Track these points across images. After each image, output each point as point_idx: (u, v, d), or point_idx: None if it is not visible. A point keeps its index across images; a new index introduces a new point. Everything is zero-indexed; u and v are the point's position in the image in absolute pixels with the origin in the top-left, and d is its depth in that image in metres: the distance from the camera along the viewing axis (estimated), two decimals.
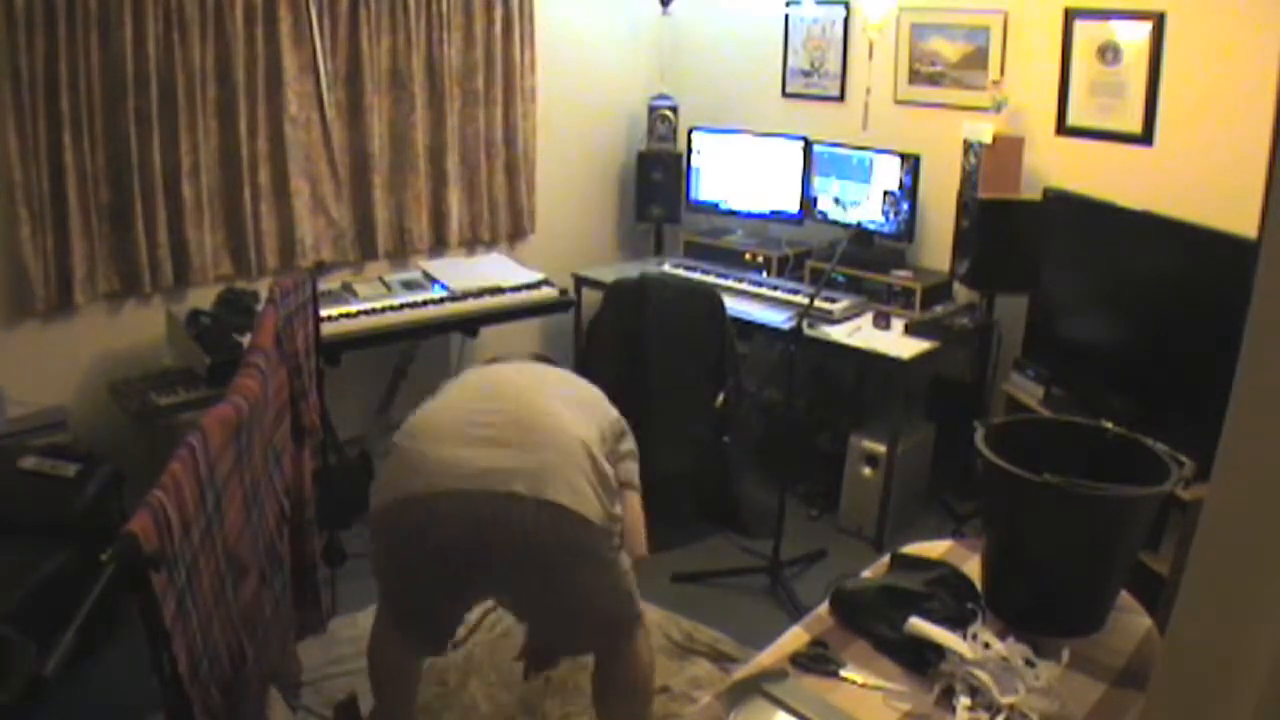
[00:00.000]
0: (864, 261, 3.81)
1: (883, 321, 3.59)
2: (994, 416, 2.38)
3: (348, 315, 3.30)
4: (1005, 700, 1.57)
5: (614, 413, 2.25)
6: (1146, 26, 3.23)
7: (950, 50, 3.77)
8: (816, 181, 4.09)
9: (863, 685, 1.67)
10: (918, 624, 1.72)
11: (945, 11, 3.74)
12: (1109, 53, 3.35)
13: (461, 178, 4.04)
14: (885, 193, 3.84)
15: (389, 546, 2.02)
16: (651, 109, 4.52)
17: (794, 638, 1.81)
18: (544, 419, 2.00)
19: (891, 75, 3.95)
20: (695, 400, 3.51)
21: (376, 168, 3.74)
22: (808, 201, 4.13)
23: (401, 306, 3.43)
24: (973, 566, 1.97)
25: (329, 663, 2.72)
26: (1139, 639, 1.81)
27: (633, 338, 3.47)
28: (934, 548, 2.13)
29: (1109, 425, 2.00)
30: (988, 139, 3.41)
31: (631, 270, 3.87)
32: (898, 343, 3.44)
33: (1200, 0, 3.11)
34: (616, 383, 3.46)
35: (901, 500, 3.56)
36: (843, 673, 1.70)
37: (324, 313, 3.20)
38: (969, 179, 3.56)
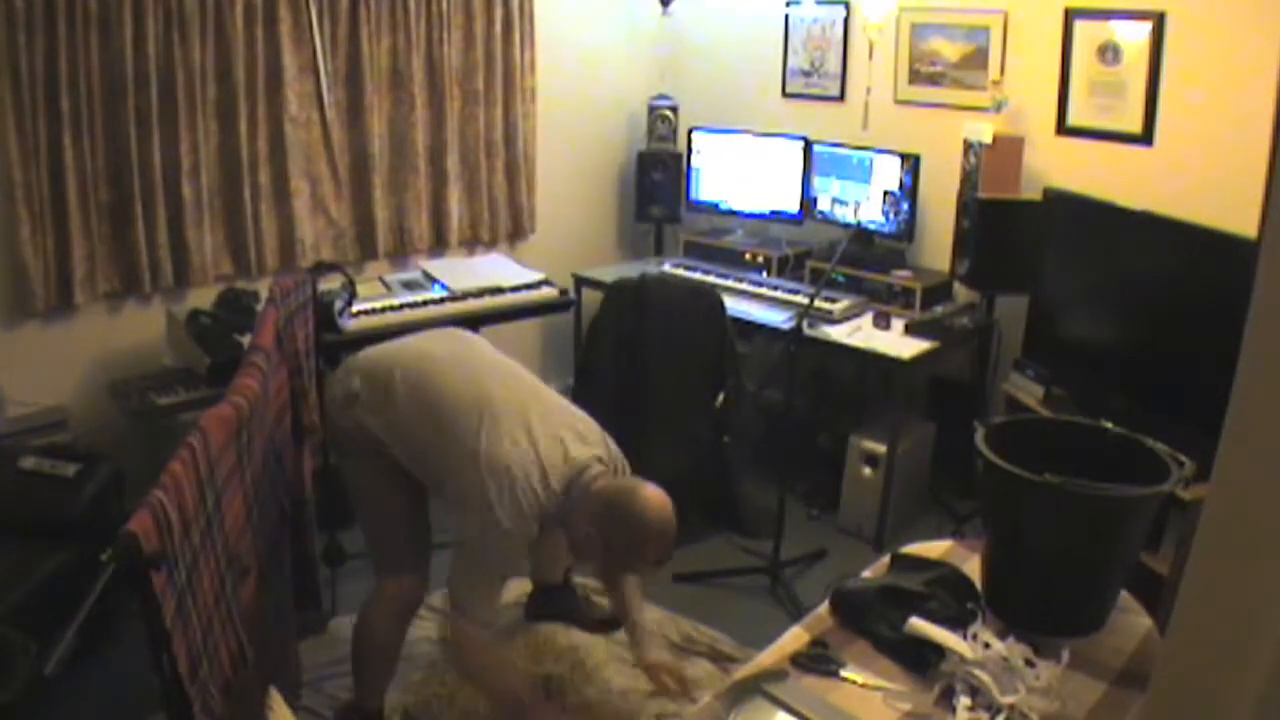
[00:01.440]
0: (864, 261, 3.81)
1: (883, 321, 3.59)
2: (994, 416, 2.38)
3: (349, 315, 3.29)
4: (1005, 700, 1.57)
5: None
6: (1146, 26, 3.23)
7: (950, 50, 3.77)
8: (816, 181, 4.09)
9: (863, 685, 1.67)
10: (918, 624, 1.72)
11: (945, 11, 3.74)
12: (1109, 53, 3.35)
13: (461, 178, 4.04)
14: (885, 193, 3.84)
15: None
16: (651, 109, 4.52)
17: (794, 638, 1.81)
18: None
19: (891, 75, 3.95)
20: (695, 400, 3.51)
21: (376, 168, 3.74)
22: (808, 201, 4.13)
23: (401, 306, 3.43)
24: (973, 566, 1.97)
25: (329, 663, 2.71)
26: (1139, 639, 1.81)
27: (633, 338, 3.47)
28: (934, 548, 2.13)
29: (1109, 425, 2.00)
30: (988, 139, 3.41)
31: (631, 270, 3.87)
32: (898, 343, 3.44)
33: (1200, 0, 3.11)
34: (617, 383, 3.48)
35: (901, 500, 3.55)
36: (843, 673, 1.70)
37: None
38: (969, 179, 3.56)
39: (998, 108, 3.54)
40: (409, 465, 2.31)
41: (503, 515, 2.07)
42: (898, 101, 3.97)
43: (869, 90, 4.01)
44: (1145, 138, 3.30)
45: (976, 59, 3.69)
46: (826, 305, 3.60)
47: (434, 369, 2.31)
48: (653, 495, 2.13)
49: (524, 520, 2.09)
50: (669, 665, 2.42)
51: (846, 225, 3.89)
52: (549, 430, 2.19)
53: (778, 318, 3.63)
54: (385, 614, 2.37)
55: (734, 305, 3.65)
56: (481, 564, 2.15)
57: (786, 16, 4.28)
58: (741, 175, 4.29)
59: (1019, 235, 3.35)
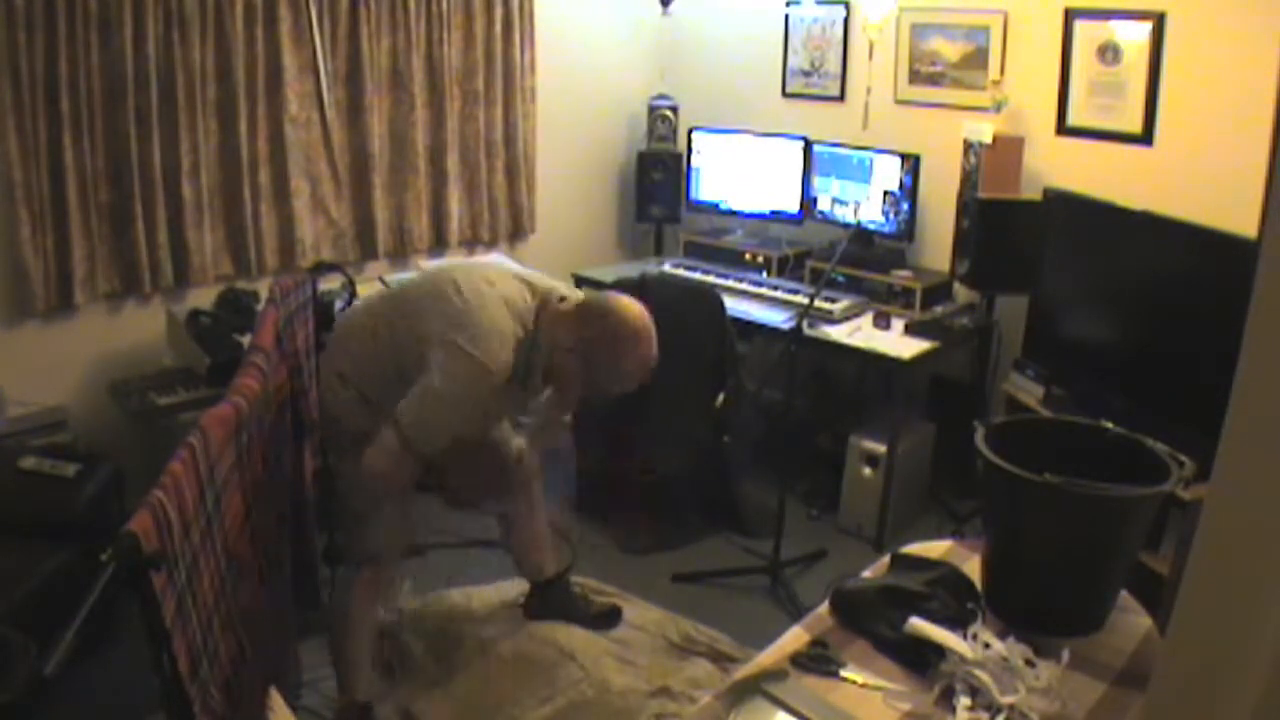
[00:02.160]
0: (864, 261, 3.81)
1: (883, 321, 3.59)
2: (994, 416, 2.38)
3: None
4: (1005, 700, 1.57)
5: None
6: (1146, 26, 3.23)
7: (950, 50, 3.77)
8: (816, 181, 4.09)
9: (863, 685, 1.67)
10: (918, 624, 1.72)
11: (945, 11, 3.74)
12: (1109, 53, 3.35)
13: (461, 178, 4.04)
14: (885, 193, 3.84)
15: None
16: (651, 109, 4.52)
17: (794, 638, 1.81)
18: None
19: (891, 75, 3.95)
20: (695, 400, 3.51)
21: (376, 168, 3.75)
22: (808, 201, 4.13)
23: None
24: (973, 566, 1.97)
25: (329, 663, 2.71)
26: (1139, 639, 1.81)
27: None
28: (934, 548, 2.13)
29: (1109, 425, 2.00)
30: (988, 139, 3.41)
31: (631, 270, 3.87)
32: (898, 343, 3.44)
33: (1200, 0, 3.11)
34: None
35: (901, 500, 3.55)
36: (843, 673, 1.70)
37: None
38: (969, 179, 3.56)
39: (998, 108, 3.54)
40: (392, 396, 2.20)
41: (478, 352, 2.09)
42: (898, 101, 3.97)
43: (869, 90, 4.01)
44: (1145, 138, 3.30)
45: (976, 59, 3.69)
46: (826, 305, 3.60)
47: (406, 282, 2.43)
48: (628, 301, 2.19)
49: (500, 352, 2.11)
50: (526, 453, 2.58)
51: (846, 225, 3.89)
52: (512, 277, 2.29)
53: (778, 318, 3.63)
54: (361, 598, 2.42)
55: (734, 305, 3.65)
56: (443, 398, 2.11)
57: (786, 16, 4.29)
58: (741, 175, 4.29)
59: (1019, 235, 3.35)
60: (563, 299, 2.28)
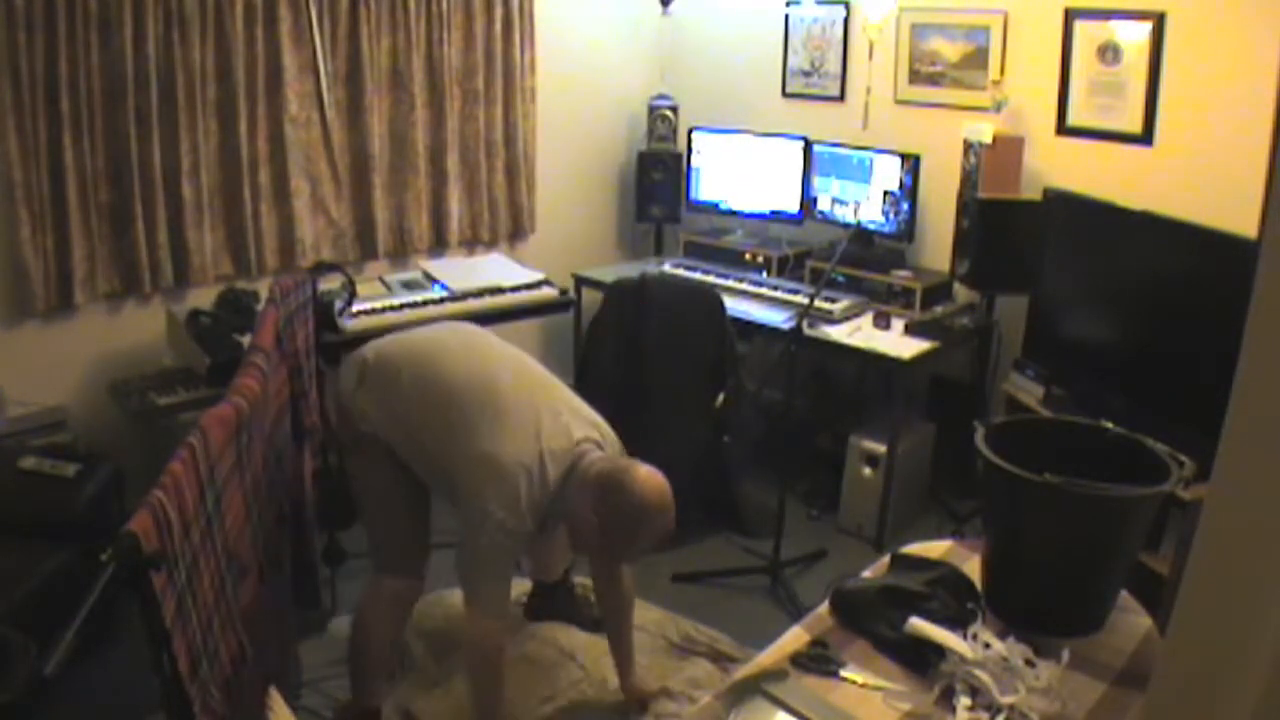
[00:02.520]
0: (864, 261, 3.81)
1: (883, 321, 3.59)
2: (994, 416, 2.38)
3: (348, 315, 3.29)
4: (1005, 700, 1.57)
5: None
6: (1146, 26, 3.23)
7: (950, 50, 3.77)
8: (816, 181, 4.09)
9: (863, 685, 1.67)
10: (918, 624, 1.72)
11: (945, 11, 3.74)
12: (1109, 53, 3.35)
13: (461, 178, 4.04)
14: (885, 193, 3.84)
15: None
16: (651, 109, 4.52)
17: (794, 638, 1.81)
18: None
19: (891, 75, 3.95)
20: (695, 400, 3.51)
21: (376, 168, 3.74)
22: (808, 201, 4.13)
23: (401, 306, 3.43)
24: (973, 566, 1.97)
25: (329, 663, 2.71)
26: (1139, 639, 1.81)
27: (633, 338, 3.47)
28: (934, 548, 2.13)
29: (1109, 425, 2.00)
30: (988, 139, 3.41)
31: (631, 270, 3.87)
32: (898, 343, 3.44)
33: (1200, 0, 3.11)
34: (617, 383, 3.47)
35: (901, 500, 3.56)
36: (843, 673, 1.70)
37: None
38: (969, 179, 3.56)
39: (998, 108, 3.54)
40: (410, 461, 2.31)
41: (501, 513, 2.08)
42: (898, 101, 3.97)
43: (869, 90, 4.01)
44: (1145, 138, 3.30)
45: (976, 59, 3.69)
46: (826, 305, 3.60)
47: (441, 362, 2.30)
48: (647, 475, 2.10)
49: (522, 517, 2.10)
50: (649, 695, 2.55)
51: (846, 225, 3.89)
52: (553, 415, 2.18)
53: (778, 318, 3.63)
54: (384, 611, 2.39)
55: (734, 305, 3.65)
56: (486, 560, 2.15)
57: (786, 16, 4.28)
58: (741, 175, 4.29)
59: (1019, 235, 3.35)
60: (594, 460, 2.16)
